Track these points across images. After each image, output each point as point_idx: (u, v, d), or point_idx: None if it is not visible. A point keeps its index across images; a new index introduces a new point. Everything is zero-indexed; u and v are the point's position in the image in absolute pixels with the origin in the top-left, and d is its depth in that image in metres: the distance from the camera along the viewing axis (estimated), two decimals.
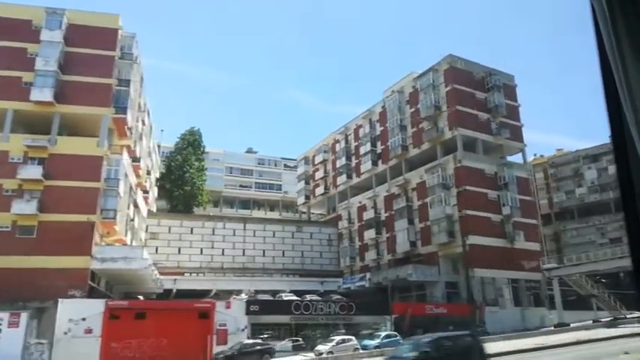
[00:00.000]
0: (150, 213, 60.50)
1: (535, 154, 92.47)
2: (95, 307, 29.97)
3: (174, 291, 53.38)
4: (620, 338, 32.58)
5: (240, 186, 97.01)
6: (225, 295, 53.35)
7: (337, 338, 32.97)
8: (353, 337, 33.47)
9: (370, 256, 60.02)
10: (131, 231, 47.69)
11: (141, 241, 55.76)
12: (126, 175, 42.26)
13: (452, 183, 50.69)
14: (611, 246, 59.95)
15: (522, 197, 52.23)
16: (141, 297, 40.23)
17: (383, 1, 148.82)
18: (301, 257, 65.43)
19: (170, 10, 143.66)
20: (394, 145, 58.48)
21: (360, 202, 63.85)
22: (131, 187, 46.00)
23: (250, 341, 31.51)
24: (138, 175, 53.06)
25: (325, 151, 73.65)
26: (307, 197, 77.49)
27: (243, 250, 62.94)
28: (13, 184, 36.32)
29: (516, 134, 55.26)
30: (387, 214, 58.78)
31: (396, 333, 35.75)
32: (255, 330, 36.10)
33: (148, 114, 56.82)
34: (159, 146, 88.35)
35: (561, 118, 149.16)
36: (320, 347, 32.26)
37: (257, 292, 54.95)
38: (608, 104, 1.34)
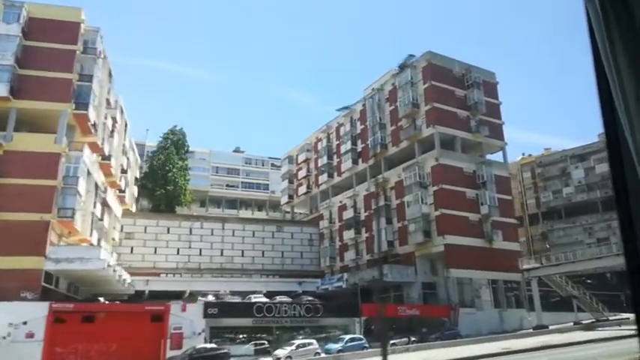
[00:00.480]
0: (125, 212, 59.27)
1: (523, 154, 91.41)
2: (39, 310, 28.72)
3: (147, 292, 52.14)
4: (593, 342, 31.48)
5: (227, 186, 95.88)
6: (200, 296, 52.23)
7: (297, 342, 31.71)
8: (314, 341, 32.28)
9: (349, 256, 58.87)
10: (99, 231, 46.48)
11: (113, 240, 54.61)
12: (88, 173, 40.98)
13: (429, 181, 49.52)
14: (599, 245, 58.72)
15: (502, 196, 51.03)
16: (102, 299, 38.94)
17: None
18: (281, 258, 64.22)
19: (159, 9, 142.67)
20: (373, 144, 57.30)
21: (340, 202, 62.69)
22: (97, 186, 44.76)
23: (204, 346, 30.30)
24: (110, 174, 51.91)
25: (308, 150, 72.47)
26: (291, 197, 76.30)
27: (222, 251, 61.72)
28: None
29: (497, 132, 54.03)
30: (366, 214, 57.62)
31: (361, 336, 34.56)
32: (216, 334, 34.87)
33: (122, 111, 55.58)
34: (144, 145, 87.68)
35: (554, 118, 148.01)
36: (278, 352, 31.05)
37: (233, 293, 53.83)
38: (602, 105, 1.33)
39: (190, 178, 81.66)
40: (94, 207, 44.17)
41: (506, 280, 50.11)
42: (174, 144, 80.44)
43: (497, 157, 56.00)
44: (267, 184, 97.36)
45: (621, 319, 49.96)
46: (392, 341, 35.92)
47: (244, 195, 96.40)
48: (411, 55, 54.82)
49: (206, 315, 33.40)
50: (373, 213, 55.60)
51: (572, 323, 48.15)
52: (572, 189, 79.25)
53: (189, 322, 32.22)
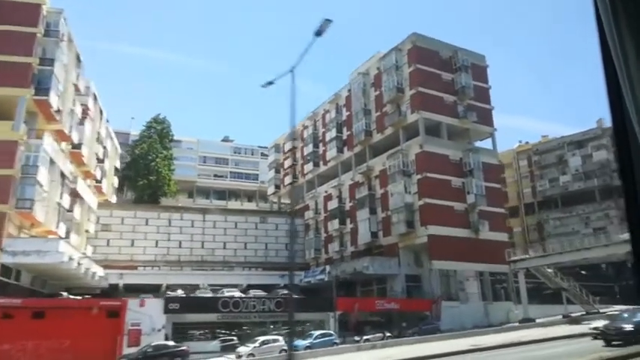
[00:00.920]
0: (102, 204, 57.44)
1: (520, 141, 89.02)
2: None
3: (121, 286, 50.45)
4: (569, 338, 29.66)
5: (215, 176, 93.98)
6: (179, 289, 50.52)
7: (261, 339, 29.88)
8: (280, 338, 30.43)
9: (334, 247, 56.98)
10: (68, 223, 44.66)
11: (87, 232, 52.83)
12: (52, 162, 39.00)
13: (413, 170, 47.38)
14: (596, 236, 56.58)
15: (490, 185, 48.85)
16: (65, 294, 37.17)
17: None
18: (265, 250, 62.40)
19: None
20: (358, 131, 55.13)
21: (326, 192, 60.68)
22: (64, 176, 42.83)
23: (162, 343, 28.50)
24: (82, 164, 50.05)
25: (294, 139, 70.24)
26: (277, 187, 74.35)
27: (202, 243, 59.93)
28: None
29: (486, 118, 51.71)
30: (351, 204, 55.61)
31: (331, 332, 32.70)
32: (181, 330, 33.09)
33: (95, 98, 53.49)
34: (128, 135, 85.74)
35: (553, 105, 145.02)
36: (241, 349, 29.24)
37: (213, 286, 52.16)
38: (609, 93, 1.33)
39: (175, 168, 79.79)
40: (61, 198, 42.31)
41: (493, 272, 48.16)
42: (159, 133, 78.48)
43: (487, 144, 53.74)
44: (257, 174, 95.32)
45: (612, 311, 48.02)
46: (365, 337, 34.18)
47: (233, 185, 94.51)
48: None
49: (167, 310, 31.62)
50: (357, 203, 53.74)
51: (560, 316, 46.27)
52: (569, 177, 76.92)
53: (148, 318, 30.46)
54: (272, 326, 36.78)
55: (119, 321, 29.54)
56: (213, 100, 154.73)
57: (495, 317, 44.91)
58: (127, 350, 28.97)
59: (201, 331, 33.90)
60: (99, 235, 56.29)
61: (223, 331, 35.72)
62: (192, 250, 59.22)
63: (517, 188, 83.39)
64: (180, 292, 40.26)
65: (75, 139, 45.80)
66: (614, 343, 21.28)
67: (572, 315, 46.91)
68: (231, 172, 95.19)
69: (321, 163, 63.18)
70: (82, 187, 49.22)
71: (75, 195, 46.65)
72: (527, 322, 42.54)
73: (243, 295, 38.03)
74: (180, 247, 58.84)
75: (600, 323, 33.02)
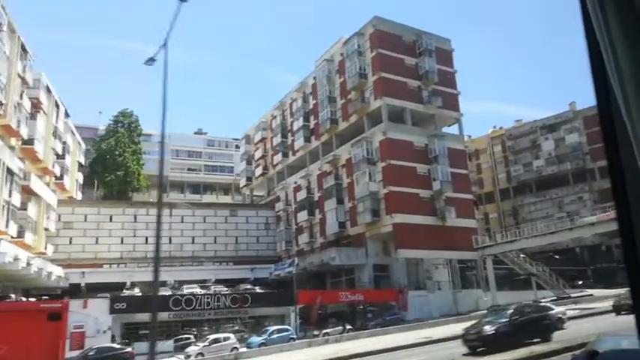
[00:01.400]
0: (64, 201, 55.59)
1: (495, 126, 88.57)
2: None
3: (83, 285, 48.95)
4: None
5: (188, 169, 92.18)
6: (143, 287, 49.19)
7: (211, 337, 28.74)
8: (231, 335, 29.37)
9: (303, 239, 55.93)
10: (20, 221, 42.85)
11: (47, 231, 51.02)
12: None
13: (378, 157, 46.35)
14: (571, 219, 56.30)
15: (456, 171, 48.04)
16: (13, 296, 35.61)
17: None
18: (235, 243, 61.17)
19: None
20: (323, 119, 53.88)
21: (295, 182, 59.43)
22: (12, 172, 40.96)
23: (106, 345, 27.20)
24: (37, 160, 48.18)
25: (264, 129, 68.82)
26: (249, 179, 72.92)
27: (170, 238, 58.27)
28: None
29: (452, 103, 50.76)
30: (319, 194, 54.49)
31: (288, 327, 31.66)
32: (131, 331, 31.81)
33: (49, 91, 51.37)
34: (97, 129, 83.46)
35: (529, 89, 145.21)
36: (190, 349, 28.07)
37: (180, 282, 50.88)
38: (596, 82, 1.34)
39: (145, 163, 77.82)
40: (10, 195, 40.52)
41: (464, 260, 47.51)
42: (127, 127, 76.45)
43: (456, 129, 52.84)
44: (232, 167, 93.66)
45: (582, 295, 47.78)
46: (325, 330, 33.25)
47: (207, 179, 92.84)
48: None
49: (113, 311, 30.28)
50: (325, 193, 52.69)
51: (531, 302, 45.90)
52: (543, 161, 76.74)
53: (92, 320, 29.13)
54: (233, 323, 35.71)
55: (61, 324, 28.19)
56: (188, 93, 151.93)
57: (464, 305, 44.31)
58: (70, 354, 27.66)
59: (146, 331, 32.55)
60: (61, 234, 54.54)
61: (187, 330, 34.64)
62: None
63: (492, 174, 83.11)
64: (136, 291, 38.90)
65: (24, 134, 43.87)
66: (478, 350, 17.88)
67: (542, 301, 46.62)
68: (205, 165, 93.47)
69: (290, 153, 61.90)
70: (37, 184, 47.30)
71: (28, 192, 44.83)
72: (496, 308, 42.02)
73: (198, 292, 36.82)
74: (146, 243, 57.24)
75: (565, 308, 32.53)
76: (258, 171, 69.67)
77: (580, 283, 59.38)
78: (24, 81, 44.29)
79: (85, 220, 55.77)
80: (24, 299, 36.95)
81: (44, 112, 49.51)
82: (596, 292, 51.65)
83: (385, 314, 37.64)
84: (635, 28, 1.13)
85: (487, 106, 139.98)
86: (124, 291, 39.45)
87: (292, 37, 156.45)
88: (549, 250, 66.60)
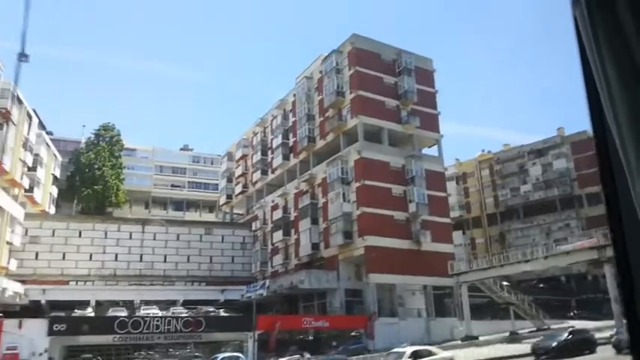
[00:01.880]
0: (32, 215, 53.91)
1: (483, 150, 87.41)
2: None
3: (44, 303, 46.92)
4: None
5: (172, 186, 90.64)
6: (110, 306, 47.22)
7: None
8: None
9: (277, 260, 54.06)
10: None
11: (10, 245, 49.23)
12: None
13: (352, 177, 44.90)
14: (558, 246, 54.54)
15: (434, 193, 46.51)
16: None
17: None
18: (209, 263, 59.25)
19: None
20: (301, 137, 52.62)
21: (273, 201, 57.84)
22: None
23: None
24: (2, 171, 46.72)
25: (245, 146, 67.58)
26: (229, 196, 71.33)
27: (141, 256, 56.58)
28: None
29: (431, 123, 49.55)
30: (295, 214, 52.84)
31: (239, 354, 29.67)
32: (74, 354, 29.84)
33: (20, 102, 50.22)
34: (79, 142, 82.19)
35: (518, 114, 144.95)
36: None
37: (147, 302, 48.91)
38: (590, 105, 1.39)
39: (125, 178, 76.44)
40: None
41: (441, 286, 45.57)
42: (109, 141, 75.31)
43: (435, 151, 51.52)
44: (217, 184, 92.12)
45: (563, 327, 45.73)
46: (282, 359, 31.27)
47: (191, 195, 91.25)
48: None
49: (52, 332, 28.36)
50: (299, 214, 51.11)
51: (508, 333, 43.83)
52: (530, 187, 75.28)
53: (27, 341, 27.16)
54: (188, 348, 33.72)
55: None
56: (178, 109, 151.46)
57: (438, 334, 42.22)
58: None
59: (90, 355, 30.58)
60: (27, 248, 52.72)
61: (138, 354, 32.72)
62: (129, 263, 55.84)
63: (479, 198, 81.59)
64: (89, 311, 36.96)
65: None
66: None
67: (520, 332, 44.56)
68: (189, 181, 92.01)
69: (270, 171, 60.49)
70: (2, 197, 45.82)
71: None
72: (469, 339, 39.99)
73: (155, 314, 34.89)
74: (116, 260, 55.42)
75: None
76: (238, 188, 68.17)
77: (573, 314, 57.04)
78: None
79: (53, 235, 53.98)
80: None
81: (13, 123, 48.24)
82: (579, 323, 49.62)
83: (348, 343, 35.60)
84: (626, 57, 1.16)
85: (478, 129, 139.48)
86: (75, 311, 37.45)
87: (283, 52, 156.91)
88: (533, 278, 64.64)
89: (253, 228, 60.91)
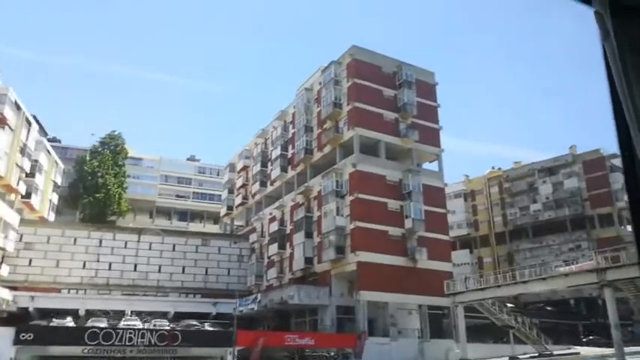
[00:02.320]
0: (27, 221, 53.73)
1: (493, 167, 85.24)
2: None
3: (32, 310, 46.32)
4: None
5: (177, 196, 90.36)
6: (101, 315, 46.47)
7: None
8: None
9: (272, 274, 52.76)
10: None
11: (4, 251, 48.99)
12: None
13: (347, 190, 43.62)
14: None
15: (433, 209, 44.90)
16: None
17: None
18: (204, 275, 58.15)
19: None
20: (299, 149, 51.66)
21: (270, 214, 56.78)
22: None
23: None
24: None
25: (247, 157, 66.87)
26: (230, 208, 70.51)
27: (135, 265, 55.80)
28: None
29: (432, 138, 48.16)
30: (291, 227, 51.65)
31: None
32: None
33: (18, 107, 50.30)
34: (87, 151, 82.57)
35: (528, 131, 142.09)
36: None
37: (138, 313, 48.06)
38: (617, 124, 1.44)
39: (128, 186, 76.37)
40: None
41: (439, 307, 43.65)
42: (113, 149, 75.52)
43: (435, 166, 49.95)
44: (222, 195, 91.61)
45: (567, 354, 43.34)
46: None
47: (196, 206, 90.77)
48: None
49: (18, 341, 27.46)
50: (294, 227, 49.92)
51: (507, 358, 41.64)
52: (540, 206, 72.77)
53: None
54: None
55: None
56: (187, 119, 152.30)
57: (432, 356, 40.30)
58: None
59: None
60: (21, 254, 52.42)
61: None
62: (123, 272, 55.09)
63: (488, 216, 79.27)
64: (68, 320, 36.11)
65: None
66: None
67: (521, 357, 42.31)
68: (194, 192, 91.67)
69: (269, 183, 59.54)
70: None
71: None
72: None
73: (137, 326, 33.85)
74: (109, 269, 54.74)
75: None
76: (239, 200, 67.35)
77: (588, 339, 54.05)
78: None
79: (48, 242, 53.62)
80: None
81: (10, 128, 48.34)
82: (585, 349, 47.01)
83: None
84: None
85: (489, 146, 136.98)
86: (53, 320, 36.63)
87: (294, 61, 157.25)
88: (541, 300, 62.00)
89: (251, 240, 59.78)
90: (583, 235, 67.79)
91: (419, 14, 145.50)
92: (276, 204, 55.29)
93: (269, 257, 54.40)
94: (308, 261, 46.58)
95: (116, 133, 76.96)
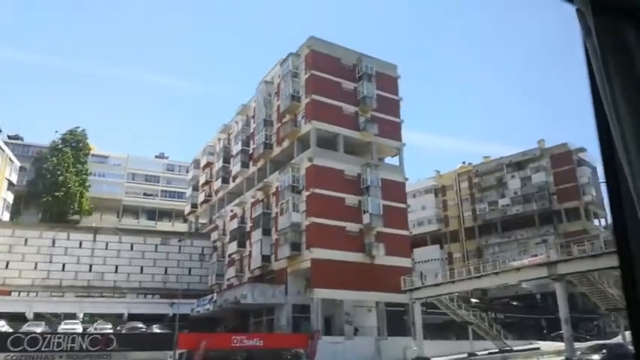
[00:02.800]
0: None
1: (464, 162, 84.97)
2: None
3: None
4: None
5: (145, 194, 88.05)
6: (49, 319, 44.60)
7: None
8: None
9: (231, 272, 51.30)
10: None
11: None
12: None
13: (303, 185, 42.37)
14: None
15: (391, 204, 43.90)
16: None
17: None
18: (164, 274, 56.41)
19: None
20: (258, 144, 50.24)
21: (231, 211, 55.24)
22: None
23: None
24: None
25: (211, 153, 65.19)
26: (194, 205, 68.75)
27: (90, 266, 53.82)
28: None
29: (393, 132, 47.13)
30: (251, 224, 50.21)
31: None
32: None
33: None
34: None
35: (500, 126, 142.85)
36: None
37: (91, 316, 46.30)
38: (599, 131, 1.43)
39: (91, 184, 74.05)
40: None
41: (395, 303, 42.64)
42: (75, 146, 73.10)
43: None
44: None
45: (526, 349, 42.78)
46: None
47: (164, 205, 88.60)
48: None
49: None
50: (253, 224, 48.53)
51: (466, 354, 40.94)
52: (509, 200, 72.65)
53: None
54: None
55: None
56: (157, 117, 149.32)
57: (389, 355, 39.29)
58: None
59: None
60: None
61: None
62: (77, 273, 53.08)
63: (458, 211, 78.93)
64: (2, 324, 34.20)
65: None
66: None
67: (480, 353, 41.68)
68: (162, 190, 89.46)
69: (231, 179, 58.02)
70: None
71: None
72: None
73: (77, 329, 32.17)
74: (63, 270, 52.69)
75: None
76: (202, 197, 65.68)
77: (556, 333, 53.47)
78: None
79: None
80: None
81: None
82: (547, 344, 46.55)
83: None
84: (636, 85, 1.25)
85: (463, 142, 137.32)
86: None
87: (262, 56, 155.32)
88: (507, 296, 61.68)
89: (212, 238, 58.23)
90: (550, 229, 67.78)
91: (391, 8, 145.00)
92: (237, 201, 53.83)
93: (229, 256, 52.93)
94: (265, 259, 45.23)
95: (79, 129, 74.57)
